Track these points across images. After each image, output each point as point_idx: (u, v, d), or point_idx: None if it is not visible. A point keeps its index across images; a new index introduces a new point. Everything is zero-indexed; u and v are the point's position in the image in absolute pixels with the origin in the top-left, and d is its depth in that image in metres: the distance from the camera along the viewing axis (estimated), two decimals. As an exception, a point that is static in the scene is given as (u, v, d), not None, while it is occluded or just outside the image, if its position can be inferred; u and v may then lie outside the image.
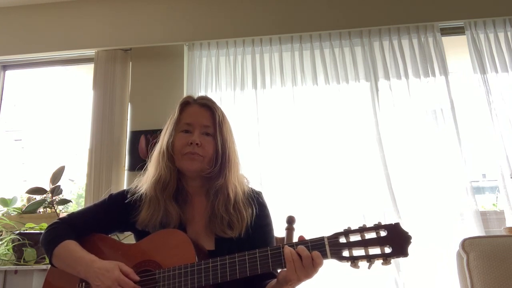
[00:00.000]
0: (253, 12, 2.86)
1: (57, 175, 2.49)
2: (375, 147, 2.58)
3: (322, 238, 1.05)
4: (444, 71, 2.64)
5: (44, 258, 2.13)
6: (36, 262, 2.11)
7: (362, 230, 1.03)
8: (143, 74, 2.89)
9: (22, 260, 2.09)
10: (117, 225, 1.32)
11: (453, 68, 2.81)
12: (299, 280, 1.05)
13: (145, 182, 1.29)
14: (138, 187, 1.30)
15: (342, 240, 1.04)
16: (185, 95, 2.79)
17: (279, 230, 1.45)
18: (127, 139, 2.78)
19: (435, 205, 2.43)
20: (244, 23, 2.85)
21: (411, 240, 0.98)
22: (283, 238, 1.41)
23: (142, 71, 2.90)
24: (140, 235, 1.26)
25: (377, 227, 1.02)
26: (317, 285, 2.37)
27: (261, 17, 2.84)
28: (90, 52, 3.00)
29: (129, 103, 2.87)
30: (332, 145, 2.61)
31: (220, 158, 1.25)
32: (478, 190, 2.64)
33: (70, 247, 1.20)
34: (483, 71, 2.61)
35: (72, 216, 1.31)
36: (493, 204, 2.61)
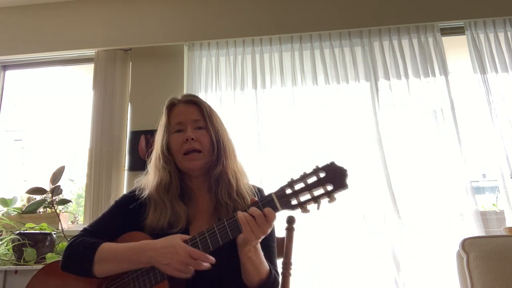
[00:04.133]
0: (253, 12, 2.86)
1: (57, 175, 2.48)
2: (375, 147, 2.58)
3: (270, 195, 1.11)
4: (444, 71, 2.64)
5: (44, 258, 2.13)
6: (36, 262, 2.11)
7: (304, 177, 1.09)
8: (143, 74, 2.89)
9: (22, 260, 2.08)
10: (127, 230, 1.29)
11: (453, 68, 2.81)
12: (257, 238, 1.09)
13: (147, 187, 1.30)
14: (140, 191, 1.30)
15: (288, 191, 1.10)
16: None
17: (279, 230, 1.45)
18: (127, 139, 2.78)
19: (435, 205, 2.43)
20: (244, 23, 2.85)
21: (347, 173, 1.07)
22: (283, 238, 1.41)
23: (142, 71, 2.90)
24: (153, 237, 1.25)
25: (315, 171, 1.09)
26: (317, 285, 2.38)
27: (261, 17, 2.84)
28: (90, 52, 3.00)
29: (129, 103, 2.87)
30: (332, 145, 2.61)
31: (216, 147, 1.27)
32: (478, 190, 2.64)
33: (112, 246, 1.17)
34: (483, 71, 2.61)
35: (87, 228, 1.28)
36: (493, 204, 2.61)
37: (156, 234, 1.21)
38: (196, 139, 1.25)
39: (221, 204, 1.24)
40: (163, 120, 1.32)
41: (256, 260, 1.14)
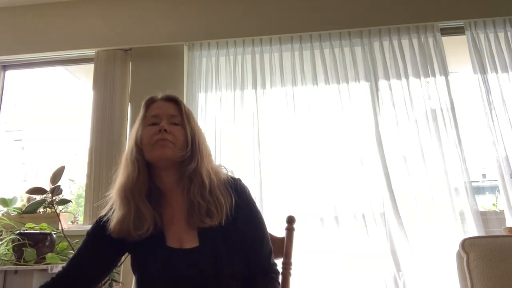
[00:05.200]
0: (253, 12, 2.86)
1: (57, 175, 2.48)
2: (375, 147, 2.58)
3: None
4: (444, 71, 2.64)
5: (44, 258, 2.13)
6: (36, 262, 2.10)
7: None
8: (143, 74, 2.89)
9: (22, 260, 2.08)
10: (108, 253, 1.25)
11: (453, 68, 2.81)
12: None
13: (113, 189, 1.24)
14: (108, 199, 1.25)
15: None
16: (185, 95, 2.80)
17: (279, 230, 1.45)
18: (127, 139, 2.78)
19: (435, 205, 2.43)
20: (244, 23, 2.85)
21: None
22: (283, 238, 1.41)
23: (142, 71, 2.90)
24: (132, 249, 1.22)
25: None
26: (317, 285, 2.38)
27: (261, 17, 2.84)
28: (90, 52, 3.00)
29: (129, 103, 2.87)
30: (332, 145, 2.62)
31: (191, 144, 1.21)
32: (478, 190, 2.64)
33: None
34: (483, 71, 2.61)
35: (60, 271, 1.23)
36: (493, 204, 2.61)
37: (123, 238, 1.18)
38: (170, 132, 1.19)
39: (193, 205, 1.17)
40: (140, 114, 1.29)
41: None
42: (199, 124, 1.31)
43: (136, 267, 1.22)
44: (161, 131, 1.18)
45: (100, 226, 1.24)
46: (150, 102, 1.29)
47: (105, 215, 1.24)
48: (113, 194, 1.23)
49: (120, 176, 1.24)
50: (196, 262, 1.15)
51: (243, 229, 1.20)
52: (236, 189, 1.24)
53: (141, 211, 1.17)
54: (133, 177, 1.19)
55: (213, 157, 1.30)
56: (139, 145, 1.21)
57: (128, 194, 1.19)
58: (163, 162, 1.20)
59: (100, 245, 1.24)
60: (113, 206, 1.22)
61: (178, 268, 1.15)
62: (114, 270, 2.02)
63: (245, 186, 1.28)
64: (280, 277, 1.27)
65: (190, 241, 1.18)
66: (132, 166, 1.21)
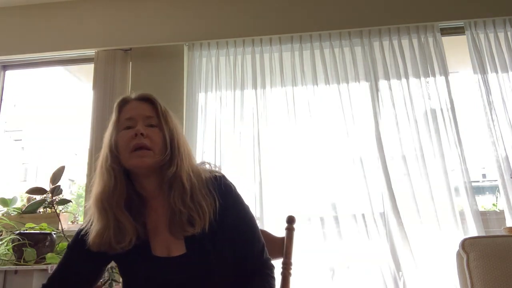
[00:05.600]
0: (253, 12, 2.86)
1: (57, 175, 2.48)
2: (375, 147, 2.58)
3: None
4: (444, 71, 2.64)
5: (44, 258, 2.13)
6: (36, 262, 2.11)
7: None
8: (143, 74, 2.89)
9: (22, 260, 2.08)
10: (91, 266, 1.20)
11: (453, 68, 2.81)
12: None
13: (90, 200, 1.17)
14: (87, 209, 1.19)
15: None
16: (185, 95, 2.80)
17: (279, 230, 1.45)
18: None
19: (435, 205, 2.43)
20: (244, 23, 2.85)
21: None
22: (283, 238, 1.41)
23: (142, 71, 2.90)
24: (117, 259, 1.18)
25: None
26: (317, 285, 2.38)
27: (261, 17, 2.84)
28: (90, 52, 3.00)
29: (129, 103, 2.86)
30: (332, 145, 2.61)
31: (170, 147, 1.13)
32: (478, 190, 2.64)
33: None
34: (483, 71, 2.61)
35: (45, 283, 1.19)
36: (493, 204, 2.61)
37: (104, 251, 1.12)
38: (147, 135, 1.11)
39: (174, 212, 1.10)
40: (112, 118, 1.19)
41: None
42: (176, 122, 1.22)
43: (122, 276, 1.19)
44: (138, 135, 1.11)
45: (79, 240, 1.17)
46: (123, 104, 1.20)
47: (84, 227, 1.17)
48: (90, 205, 1.15)
49: (96, 186, 1.16)
50: (184, 270, 1.11)
51: (232, 229, 1.15)
52: (220, 189, 1.17)
53: (121, 222, 1.10)
54: (110, 186, 1.12)
55: (193, 155, 1.23)
56: (114, 152, 1.13)
57: (106, 205, 1.11)
58: (142, 170, 1.14)
59: (82, 259, 1.18)
60: (91, 218, 1.16)
61: (166, 277, 1.11)
62: (114, 270, 2.03)
63: (230, 184, 1.21)
64: (275, 271, 1.23)
65: (178, 249, 1.13)
66: (107, 175, 1.13)
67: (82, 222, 2.80)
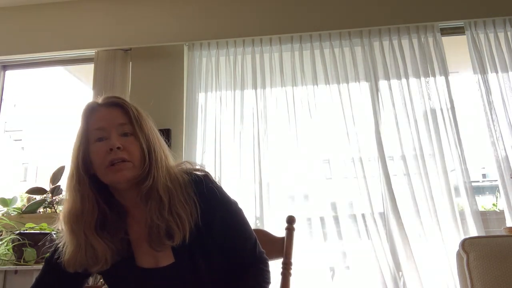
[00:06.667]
0: (253, 12, 2.86)
1: (57, 175, 2.49)
2: (375, 147, 2.58)
3: None
4: (444, 71, 2.64)
5: (44, 258, 2.13)
6: (36, 262, 2.11)
7: None
8: (143, 74, 2.89)
9: (22, 260, 2.08)
10: (71, 284, 1.14)
11: (453, 68, 2.80)
12: None
13: (60, 220, 1.09)
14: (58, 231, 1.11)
15: None
16: (185, 95, 2.80)
17: (279, 230, 1.45)
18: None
19: (435, 205, 2.43)
20: (244, 23, 2.85)
21: None
22: (283, 238, 1.41)
23: (142, 71, 2.90)
24: (102, 273, 1.13)
25: None
26: (317, 285, 2.38)
27: (261, 17, 2.84)
28: (90, 52, 3.00)
29: (129, 103, 2.86)
30: (332, 145, 2.61)
31: (147, 158, 1.05)
32: (478, 190, 2.64)
33: None
34: (483, 71, 2.61)
35: None
36: (493, 204, 2.61)
37: (82, 273, 1.08)
38: (123, 147, 1.03)
39: (151, 226, 1.03)
40: (79, 128, 1.08)
41: None
42: (150, 125, 1.13)
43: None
44: (113, 150, 1.02)
45: (54, 261, 1.11)
46: (90, 112, 1.08)
47: (59, 247, 1.09)
48: (61, 224, 1.08)
49: (65, 204, 1.08)
50: (174, 280, 1.07)
51: (222, 229, 1.10)
52: (202, 192, 1.08)
53: (93, 246, 1.03)
54: (77, 208, 1.04)
55: (169, 155, 1.14)
56: (81, 168, 1.04)
57: (75, 227, 1.04)
58: (121, 185, 1.06)
59: (60, 277, 1.11)
60: (64, 238, 1.08)
61: None
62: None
63: (213, 186, 1.11)
64: (276, 271, 1.22)
65: (165, 258, 1.08)
66: (74, 195, 1.05)
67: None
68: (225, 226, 1.11)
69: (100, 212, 1.06)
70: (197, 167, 1.16)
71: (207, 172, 1.15)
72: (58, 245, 1.11)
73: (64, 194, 1.12)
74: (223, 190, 1.15)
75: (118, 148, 1.02)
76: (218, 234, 1.10)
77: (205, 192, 1.09)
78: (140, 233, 1.09)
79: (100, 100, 1.11)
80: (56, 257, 1.10)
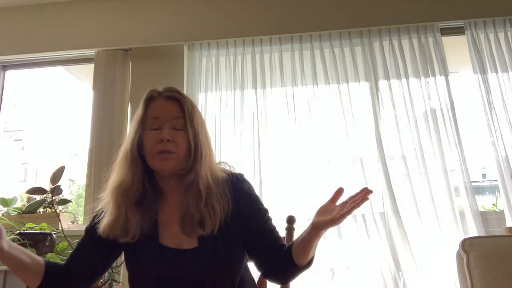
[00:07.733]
0: (253, 12, 2.86)
1: (57, 175, 2.48)
2: (375, 147, 2.58)
3: None
4: (444, 71, 2.64)
5: (44, 258, 2.13)
6: (36, 262, 2.10)
7: None
8: (143, 74, 2.89)
9: (22, 260, 2.08)
10: (104, 251, 1.22)
11: (453, 68, 2.80)
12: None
13: (106, 189, 1.21)
14: (101, 199, 1.23)
15: None
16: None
17: (279, 230, 1.45)
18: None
19: (435, 205, 2.43)
20: (244, 23, 2.85)
21: None
22: (283, 238, 1.40)
23: (142, 71, 2.90)
24: (125, 248, 1.21)
25: None
26: (317, 284, 2.38)
27: (261, 17, 2.84)
28: (90, 52, 3.00)
29: (129, 103, 2.87)
30: (332, 145, 2.61)
31: (193, 153, 1.15)
32: (478, 190, 2.64)
33: None
34: (483, 71, 2.61)
35: (65, 261, 1.24)
36: (493, 204, 2.61)
37: (111, 241, 1.17)
38: (173, 140, 1.14)
39: (186, 214, 1.14)
40: (138, 113, 1.21)
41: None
42: (201, 121, 1.23)
43: (128, 265, 1.22)
44: (163, 141, 1.13)
45: (93, 226, 1.22)
46: (150, 100, 1.22)
47: (98, 214, 1.22)
48: (106, 196, 1.20)
49: (114, 177, 1.20)
50: (193, 263, 1.14)
51: (259, 216, 1.23)
52: (240, 189, 1.22)
53: (129, 220, 1.15)
54: (126, 184, 1.16)
55: (214, 155, 1.25)
56: (135, 150, 1.16)
57: (119, 200, 1.16)
58: (164, 173, 1.18)
59: (95, 243, 1.21)
60: (105, 207, 1.20)
61: (172, 268, 1.14)
62: (114, 270, 2.03)
63: (246, 182, 1.25)
64: None
65: (189, 242, 1.16)
66: (126, 171, 1.17)
67: (82, 222, 2.80)
68: (262, 214, 1.24)
69: (143, 191, 1.17)
70: (233, 169, 1.29)
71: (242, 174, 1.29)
72: (96, 215, 1.23)
73: (113, 167, 1.23)
74: (253, 189, 1.28)
75: (168, 140, 1.13)
76: (255, 220, 1.22)
77: (245, 188, 1.23)
78: (171, 216, 1.19)
79: (161, 89, 1.24)
80: (93, 224, 1.22)
